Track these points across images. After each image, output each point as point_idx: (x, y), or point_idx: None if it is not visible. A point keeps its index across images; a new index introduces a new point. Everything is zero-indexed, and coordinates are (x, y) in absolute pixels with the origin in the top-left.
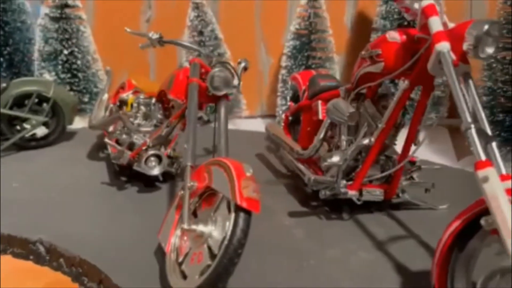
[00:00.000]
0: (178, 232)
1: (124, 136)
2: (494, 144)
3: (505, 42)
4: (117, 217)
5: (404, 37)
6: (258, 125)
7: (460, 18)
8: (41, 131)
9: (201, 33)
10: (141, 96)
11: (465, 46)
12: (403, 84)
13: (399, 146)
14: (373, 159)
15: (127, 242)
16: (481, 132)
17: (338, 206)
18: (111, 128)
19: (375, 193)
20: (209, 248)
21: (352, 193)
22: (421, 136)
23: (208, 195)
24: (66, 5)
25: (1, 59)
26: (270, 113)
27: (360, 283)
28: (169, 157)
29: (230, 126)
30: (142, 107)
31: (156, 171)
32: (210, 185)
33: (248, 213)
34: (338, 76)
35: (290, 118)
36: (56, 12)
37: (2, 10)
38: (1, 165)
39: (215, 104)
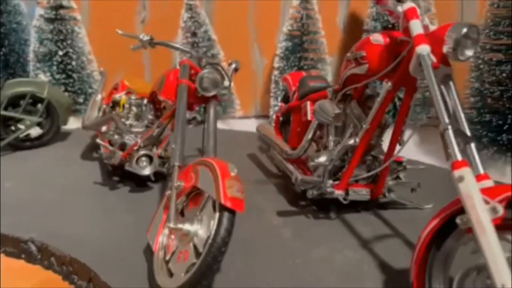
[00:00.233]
0: (166, 231)
1: (116, 136)
2: (473, 145)
3: (492, 44)
4: (109, 217)
5: (388, 39)
6: (252, 126)
7: (451, 18)
8: (35, 131)
9: (194, 34)
10: (133, 97)
11: (445, 49)
12: (386, 85)
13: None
14: (359, 159)
15: (118, 241)
16: (460, 133)
17: (325, 206)
18: (104, 129)
19: (361, 193)
20: (195, 246)
21: (339, 193)
22: (406, 136)
23: (195, 195)
24: (61, 6)
25: None
26: (263, 114)
27: (345, 282)
28: (160, 157)
29: (224, 127)
30: (134, 108)
31: (147, 171)
32: (196, 185)
33: (232, 212)
34: (330, 77)
35: (281, 118)
36: (51, 13)
37: None
38: None
39: (204, 105)
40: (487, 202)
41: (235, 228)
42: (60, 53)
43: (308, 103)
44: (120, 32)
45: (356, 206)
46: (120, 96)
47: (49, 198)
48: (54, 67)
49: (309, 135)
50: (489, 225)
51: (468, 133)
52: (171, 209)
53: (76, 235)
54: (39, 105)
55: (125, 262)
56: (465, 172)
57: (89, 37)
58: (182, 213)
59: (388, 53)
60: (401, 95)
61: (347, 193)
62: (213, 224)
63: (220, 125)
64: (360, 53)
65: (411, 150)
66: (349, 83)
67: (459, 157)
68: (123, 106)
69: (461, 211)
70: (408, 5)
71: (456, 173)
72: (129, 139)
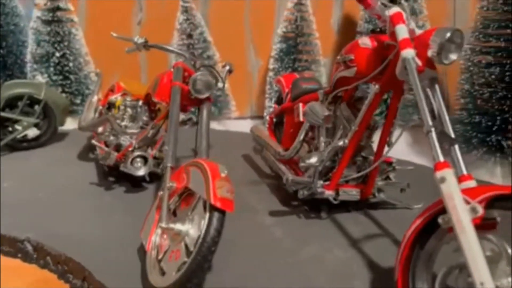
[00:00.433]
0: (159, 230)
1: (111, 137)
2: (457, 147)
3: (482, 46)
4: (104, 217)
5: (375, 43)
6: (247, 126)
7: (444, 21)
8: (32, 132)
9: (190, 36)
10: (128, 99)
11: (430, 53)
12: (374, 88)
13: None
14: (348, 160)
15: (112, 240)
16: (444, 135)
17: (317, 206)
18: (100, 130)
19: (352, 193)
20: (186, 246)
21: (329, 193)
22: (395, 137)
23: (187, 195)
24: (58, 8)
25: None
26: (259, 114)
27: (335, 280)
28: (155, 158)
29: (219, 127)
30: (129, 109)
31: (142, 171)
32: (188, 185)
33: (222, 212)
34: (324, 78)
35: (274, 120)
36: (48, 15)
37: None
38: None
39: (198, 107)
40: (467, 202)
41: (227, 228)
42: (57, 54)
43: (300, 104)
44: (114, 35)
45: (346, 206)
46: (116, 97)
47: (46, 198)
48: (51, 69)
49: (301, 136)
50: (469, 225)
51: (453, 135)
52: (163, 210)
53: (71, 234)
54: (36, 106)
55: (119, 261)
56: (447, 173)
57: (86, 38)
58: (174, 213)
59: (375, 57)
60: None
61: (337, 193)
62: (204, 223)
63: (216, 126)
64: (349, 56)
65: (403, 151)
66: (339, 86)
67: (441, 158)
68: (119, 107)
69: (443, 211)
70: (394, 10)
71: (438, 174)
72: (124, 140)
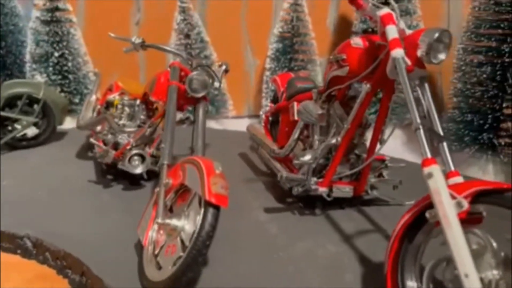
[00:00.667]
0: (155, 226)
1: (109, 136)
2: (445, 144)
3: (474, 46)
4: (103, 214)
5: (367, 43)
6: (244, 125)
7: (438, 20)
8: (31, 131)
9: (187, 36)
10: (126, 98)
11: (419, 53)
12: (365, 87)
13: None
14: (341, 158)
15: (110, 236)
16: (432, 133)
17: (311, 203)
18: (99, 128)
19: (345, 190)
20: (182, 241)
21: (322, 190)
22: (386, 135)
23: (183, 192)
24: (57, 9)
25: None
26: (256, 113)
27: (326, 274)
28: (152, 156)
29: (217, 126)
30: (127, 108)
31: (139, 169)
32: (184, 182)
33: (216, 208)
34: (320, 77)
35: (270, 118)
36: (47, 16)
37: None
38: None
39: (194, 106)
40: (453, 197)
41: (223, 224)
42: (56, 54)
43: (295, 103)
44: (112, 35)
45: (340, 203)
46: (114, 96)
47: (45, 196)
48: (50, 68)
49: (295, 134)
50: (455, 219)
51: (441, 132)
52: (160, 206)
53: (70, 231)
54: (35, 106)
55: (117, 257)
56: (434, 169)
57: (84, 38)
58: (171, 209)
59: (367, 56)
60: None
61: (331, 190)
62: (199, 219)
63: (214, 124)
64: (341, 55)
65: (397, 149)
66: (333, 85)
67: (429, 155)
68: (117, 106)
69: (431, 206)
70: (384, 11)
71: (426, 170)
72: (122, 139)
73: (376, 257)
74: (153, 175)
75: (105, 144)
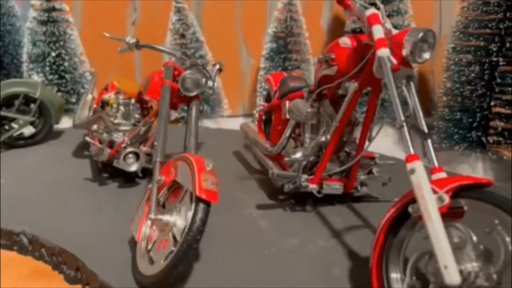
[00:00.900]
0: (148, 222)
1: (104, 134)
2: (429, 141)
3: (463, 45)
4: (98, 211)
5: (355, 42)
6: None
7: (430, 20)
8: (28, 130)
9: (183, 36)
10: (121, 97)
11: (404, 52)
12: (353, 86)
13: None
14: (330, 155)
15: (105, 232)
16: (417, 130)
17: (303, 199)
18: (95, 127)
19: (335, 187)
20: (174, 236)
21: (313, 187)
22: (374, 132)
23: (175, 188)
24: (54, 9)
25: None
26: (251, 112)
27: (314, 268)
28: (147, 154)
29: (212, 125)
30: (122, 107)
31: (134, 167)
32: (176, 179)
33: (207, 203)
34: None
35: (263, 117)
36: (44, 16)
37: None
38: None
39: (187, 104)
40: (435, 192)
41: (217, 220)
42: (53, 54)
43: (287, 102)
44: (107, 35)
45: (331, 199)
46: (110, 96)
47: (42, 193)
48: (47, 68)
49: (287, 132)
50: (436, 213)
51: (426, 130)
52: (152, 202)
53: (66, 228)
54: (32, 105)
55: (111, 252)
56: (417, 165)
57: (81, 38)
58: (164, 206)
59: (355, 56)
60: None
61: (321, 187)
62: (190, 214)
63: (209, 123)
64: (330, 55)
65: (389, 148)
66: (323, 84)
67: (411, 151)
68: (112, 105)
69: (414, 200)
70: (371, 11)
71: (409, 165)
72: (117, 137)
73: (363, 251)
74: (148, 173)
75: (100, 142)
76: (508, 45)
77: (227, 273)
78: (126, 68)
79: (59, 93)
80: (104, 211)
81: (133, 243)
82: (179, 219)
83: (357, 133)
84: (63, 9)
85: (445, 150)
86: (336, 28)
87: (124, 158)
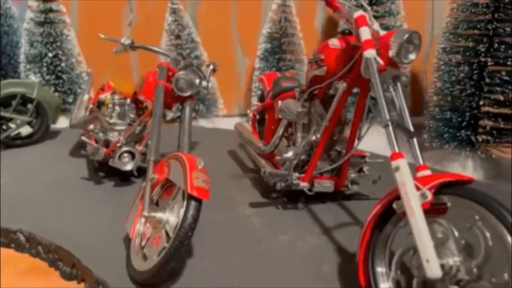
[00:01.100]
0: (142, 219)
1: (100, 134)
2: (415, 139)
3: (452, 46)
4: (94, 209)
5: (343, 44)
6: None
7: (422, 20)
8: (25, 130)
9: (178, 36)
10: (116, 97)
11: (390, 53)
12: (341, 86)
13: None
14: (321, 154)
15: (100, 230)
16: (403, 129)
17: (294, 197)
18: (91, 127)
19: (326, 185)
20: (166, 232)
21: (304, 185)
22: (363, 131)
23: (168, 186)
24: (51, 10)
25: None
26: (246, 112)
27: (304, 264)
28: (142, 153)
29: (208, 125)
30: (117, 107)
31: (129, 166)
32: (168, 177)
33: (198, 201)
34: None
35: (257, 117)
36: (41, 17)
37: None
38: None
39: (181, 104)
40: (418, 189)
41: (210, 217)
42: (50, 55)
43: (280, 102)
44: (102, 36)
45: (323, 197)
46: (106, 96)
47: (39, 192)
48: (44, 69)
49: (280, 132)
50: (418, 209)
51: (411, 129)
52: (146, 200)
53: (62, 226)
54: (29, 105)
55: (106, 249)
56: (401, 162)
57: (78, 39)
58: (157, 203)
59: (344, 57)
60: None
61: (312, 185)
62: (182, 211)
63: (204, 123)
64: (319, 56)
65: (381, 146)
66: (314, 84)
67: (396, 149)
68: (108, 105)
69: (399, 197)
70: (358, 13)
71: (393, 163)
72: (112, 137)
73: (353, 248)
74: (143, 172)
75: (96, 142)
76: (496, 45)
77: (221, 270)
78: (123, 69)
79: (56, 94)
80: (99, 209)
81: (127, 241)
82: (171, 216)
83: (348, 132)
84: (60, 10)
85: (435, 149)
86: (330, 28)
87: (120, 157)
